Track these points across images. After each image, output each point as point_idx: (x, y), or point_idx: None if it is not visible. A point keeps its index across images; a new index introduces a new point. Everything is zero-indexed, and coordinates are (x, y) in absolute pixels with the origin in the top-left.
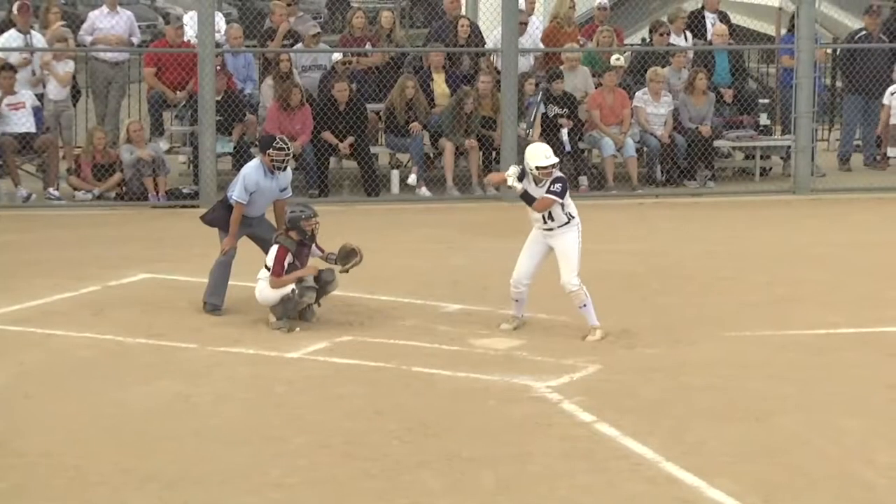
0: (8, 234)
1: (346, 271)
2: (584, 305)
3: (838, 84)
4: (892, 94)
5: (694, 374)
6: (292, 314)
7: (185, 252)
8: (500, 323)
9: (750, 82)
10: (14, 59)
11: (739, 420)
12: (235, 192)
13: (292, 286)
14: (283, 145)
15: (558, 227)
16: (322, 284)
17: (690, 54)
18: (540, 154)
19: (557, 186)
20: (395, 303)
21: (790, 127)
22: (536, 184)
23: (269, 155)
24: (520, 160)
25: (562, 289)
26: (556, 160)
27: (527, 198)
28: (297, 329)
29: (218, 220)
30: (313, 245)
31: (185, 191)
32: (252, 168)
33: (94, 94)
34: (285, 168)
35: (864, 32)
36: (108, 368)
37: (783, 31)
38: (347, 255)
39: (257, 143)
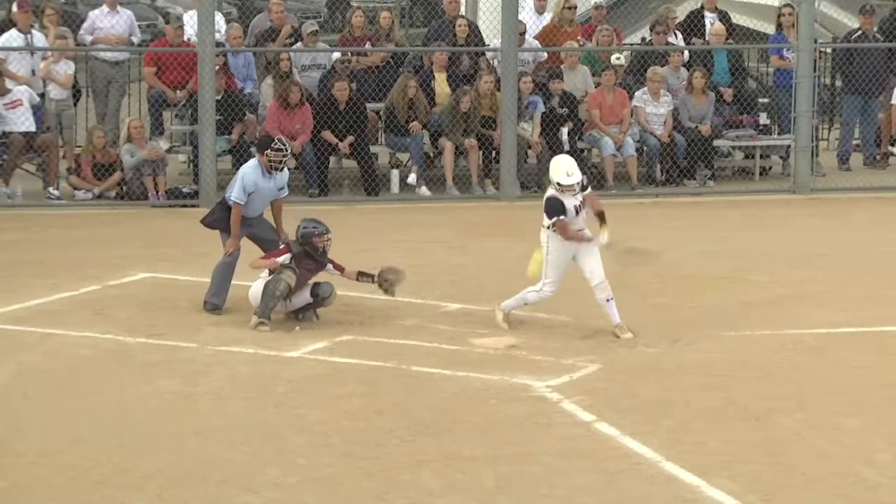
0: (8, 234)
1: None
2: (611, 299)
3: (837, 83)
4: None
5: (693, 373)
6: (272, 304)
7: (185, 251)
8: (498, 314)
9: (750, 82)
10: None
11: (739, 419)
12: (234, 193)
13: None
14: (282, 146)
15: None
16: (319, 300)
17: (686, 54)
18: (562, 171)
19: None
20: (395, 302)
21: (786, 126)
22: None
23: (266, 155)
24: (520, 159)
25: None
26: (579, 179)
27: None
28: (297, 329)
29: (218, 222)
30: (329, 264)
31: (185, 190)
32: (250, 168)
33: (94, 94)
34: (283, 168)
35: (860, 32)
36: (107, 368)
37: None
38: (394, 277)
39: (255, 143)
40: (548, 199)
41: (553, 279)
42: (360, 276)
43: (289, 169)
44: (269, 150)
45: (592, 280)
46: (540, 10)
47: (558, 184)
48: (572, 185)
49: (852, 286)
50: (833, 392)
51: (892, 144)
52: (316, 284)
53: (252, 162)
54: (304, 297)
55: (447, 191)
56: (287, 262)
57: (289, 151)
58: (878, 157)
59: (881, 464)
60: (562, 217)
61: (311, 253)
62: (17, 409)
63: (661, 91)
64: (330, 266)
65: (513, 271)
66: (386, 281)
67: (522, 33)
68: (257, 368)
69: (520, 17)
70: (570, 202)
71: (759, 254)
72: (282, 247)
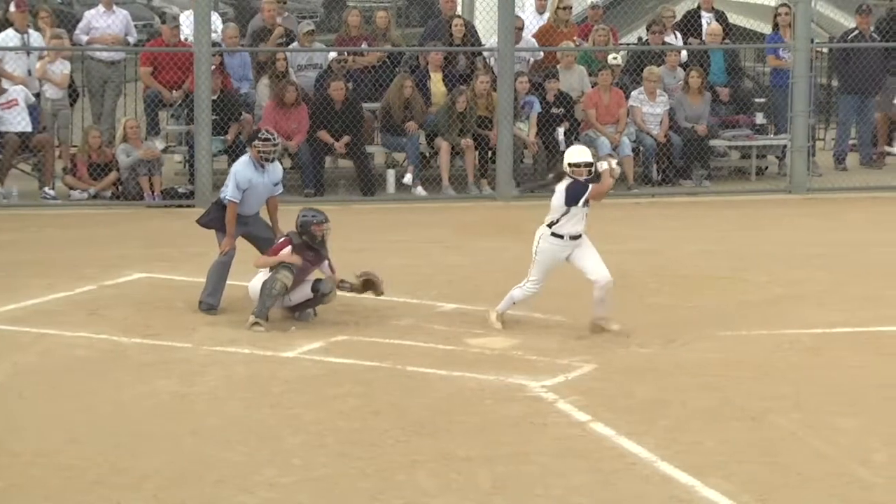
0: (4, 234)
1: (381, 293)
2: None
3: (834, 83)
4: None
5: (690, 373)
6: (269, 303)
7: (181, 251)
8: (491, 314)
9: (746, 81)
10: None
11: (735, 419)
12: (229, 192)
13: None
14: (269, 136)
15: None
16: (319, 296)
17: (683, 54)
18: (574, 152)
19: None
20: (391, 302)
21: (783, 126)
22: None
23: (255, 147)
24: (516, 159)
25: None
26: (590, 159)
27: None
28: (293, 329)
29: (214, 222)
30: (326, 262)
31: (180, 190)
32: (242, 165)
33: (90, 94)
34: (274, 159)
35: (856, 32)
36: (103, 368)
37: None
38: (370, 284)
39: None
40: (567, 185)
41: (537, 278)
42: (342, 283)
43: (285, 169)
44: (256, 141)
45: (598, 281)
46: (541, 10)
47: (570, 164)
48: (584, 165)
49: (850, 286)
50: (829, 392)
51: (890, 144)
52: (317, 280)
53: (243, 158)
54: (304, 292)
55: (443, 191)
56: (289, 255)
57: (278, 141)
58: (874, 157)
59: (877, 464)
60: (589, 190)
61: (310, 244)
62: (12, 409)
63: (657, 91)
64: (327, 263)
65: (509, 271)
66: (368, 280)
67: (520, 28)
68: (253, 368)
69: (521, 17)
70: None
71: (757, 254)
72: (282, 239)
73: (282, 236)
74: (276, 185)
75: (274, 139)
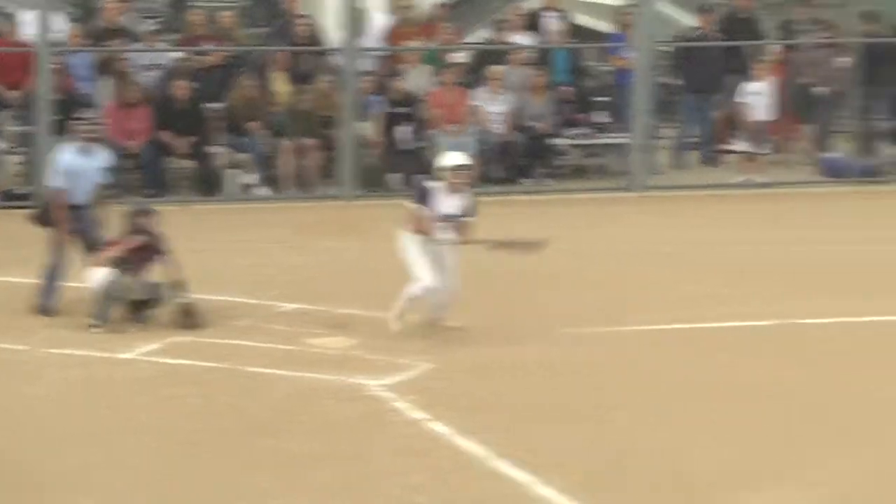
0: None
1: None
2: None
3: (676, 82)
4: (752, 93)
5: (529, 372)
6: (108, 305)
7: (18, 253)
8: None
9: (588, 80)
10: None
11: (573, 419)
12: (52, 179)
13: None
14: (84, 116)
15: None
16: (154, 301)
17: (528, 53)
18: (451, 156)
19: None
20: (230, 302)
21: (625, 125)
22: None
23: (77, 130)
24: (359, 159)
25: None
26: (463, 162)
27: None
28: (131, 330)
29: (45, 216)
30: (167, 260)
31: (19, 192)
32: (63, 151)
33: None
34: (98, 140)
35: (698, 31)
36: None
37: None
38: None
39: None
40: (427, 188)
41: (420, 272)
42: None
43: (126, 169)
44: (76, 126)
45: (450, 295)
46: (390, 11)
47: (440, 168)
48: (457, 168)
49: (689, 284)
50: (668, 389)
51: (729, 142)
52: (155, 284)
53: (65, 146)
54: (142, 291)
55: (286, 190)
56: (123, 253)
57: (96, 120)
58: (713, 155)
59: (711, 460)
60: (422, 207)
61: (147, 242)
62: None
63: (500, 89)
64: (168, 261)
65: (351, 271)
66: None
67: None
68: (90, 370)
69: (371, 16)
70: (448, 204)
71: (597, 252)
72: (121, 239)
73: (123, 237)
74: (102, 169)
75: (90, 118)
